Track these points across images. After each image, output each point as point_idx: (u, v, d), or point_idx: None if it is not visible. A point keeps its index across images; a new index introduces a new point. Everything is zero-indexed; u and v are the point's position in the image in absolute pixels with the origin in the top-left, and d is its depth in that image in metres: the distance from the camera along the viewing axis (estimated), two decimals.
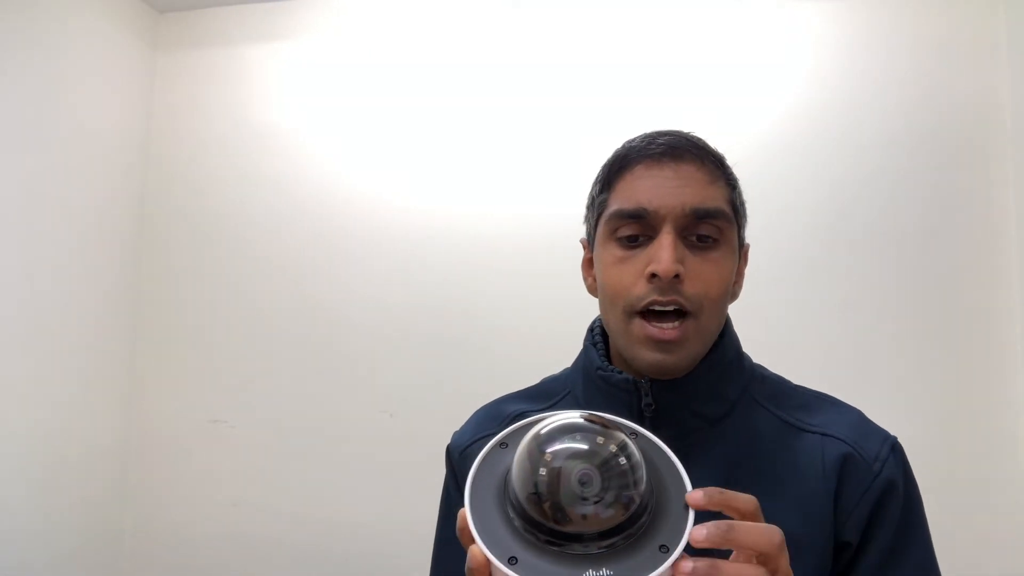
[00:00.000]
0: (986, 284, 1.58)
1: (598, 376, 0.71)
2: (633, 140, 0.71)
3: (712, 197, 0.66)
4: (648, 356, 0.65)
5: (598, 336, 0.75)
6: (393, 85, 1.93)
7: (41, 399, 1.73)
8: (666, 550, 0.42)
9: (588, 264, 0.75)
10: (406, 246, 1.88)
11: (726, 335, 0.72)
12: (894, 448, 0.67)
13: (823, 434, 0.68)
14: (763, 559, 0.45)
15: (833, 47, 1.70)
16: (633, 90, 1.77)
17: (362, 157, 1.93)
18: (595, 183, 0.73)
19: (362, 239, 1.91)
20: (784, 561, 0.45)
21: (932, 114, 1.64)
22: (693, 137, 0.70)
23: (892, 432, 0.70)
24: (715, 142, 0.71)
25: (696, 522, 0.44)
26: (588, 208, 0.75)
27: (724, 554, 0.45)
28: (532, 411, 0.75)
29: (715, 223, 0.66)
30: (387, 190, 1.90)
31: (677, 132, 0.70)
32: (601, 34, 1.82)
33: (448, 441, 0.81)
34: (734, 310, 0.74)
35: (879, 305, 1.62)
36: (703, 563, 0.42)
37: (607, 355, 0.74)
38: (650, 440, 0.49)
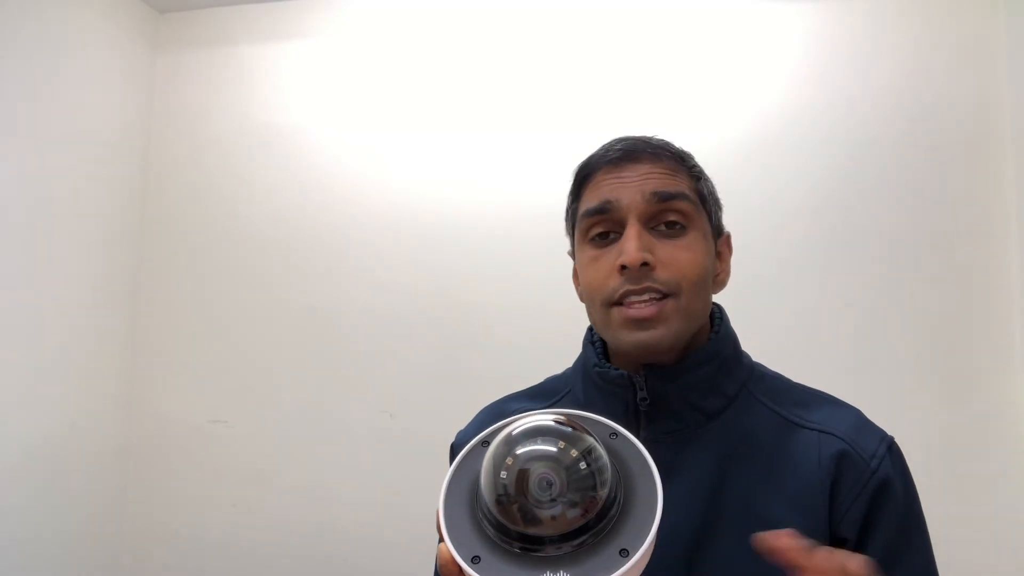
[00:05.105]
0: (986, 284, 1.58)
1: (595, 373, 0.73)
2: (594, 151, 0.75)
3: (672, 184, 0.69)
4: (630, 337, 0.67)
5: (597, 335, 0.77)
6: (394, 85, 1.93)
7: (41, 399, 1.73)
8: (626, 553, 0.42)
9: (576, 274, 0.78)
10: (407, 246, 1.88)
11: (722, 330, 0.73)
12: (891, 448, 0.68)
13: (821, 431, 0.68)
14: None
15: (833, 47, 1.70)
16: (633, 89, 1.77)
17: (363, 157, 1.93)
18: (568, 196, 0.77)
19: (362, 239, 1.91)
20: None
21: (932, 114, 1.63)
22: (652, 139, 0.73)
23: (891, 432, 0.70)
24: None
25: (660, 524, 0.43)
26: (566, 221, 0.78)
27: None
28: (535, 409, 0.76)
29: (679, 206, 0.68)
30: (388, 190, 1.90)
31: (635, 137, 0.73)
32: (601, 32, 1.82)
33: (451, 440, 0.82)
34: (734, 311, 0.74)
35: (879, 305, 1.62)
36: None
37: (605, 354, 0.75)
38: (628, 440, 0.49)
